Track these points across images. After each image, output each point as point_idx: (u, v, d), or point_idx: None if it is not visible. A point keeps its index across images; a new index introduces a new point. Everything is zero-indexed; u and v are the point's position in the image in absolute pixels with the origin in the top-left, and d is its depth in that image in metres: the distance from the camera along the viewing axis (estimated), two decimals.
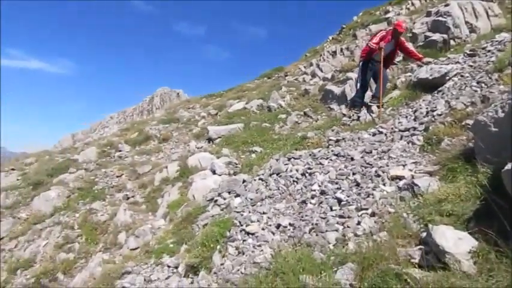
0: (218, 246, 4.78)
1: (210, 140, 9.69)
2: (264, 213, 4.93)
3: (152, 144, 10.72)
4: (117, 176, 8.91)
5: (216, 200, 6.11)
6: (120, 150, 10.55)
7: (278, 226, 4.48)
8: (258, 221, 4.85)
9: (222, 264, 4.50)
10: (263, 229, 4.64)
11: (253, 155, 7.82)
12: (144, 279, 5.07)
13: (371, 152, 5.12)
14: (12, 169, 10.42)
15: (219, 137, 9.56)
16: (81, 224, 7.46)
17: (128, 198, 8.06)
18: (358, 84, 7.83)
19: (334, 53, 12.71)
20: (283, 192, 5.26)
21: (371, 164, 4.73)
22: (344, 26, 16.53)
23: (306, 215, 4.38)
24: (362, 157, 5.08)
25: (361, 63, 7.78)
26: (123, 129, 13.28)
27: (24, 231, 7.74)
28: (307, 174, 5.34)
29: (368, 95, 7.84)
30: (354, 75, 9.07)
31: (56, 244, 7.12)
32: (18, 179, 9.89)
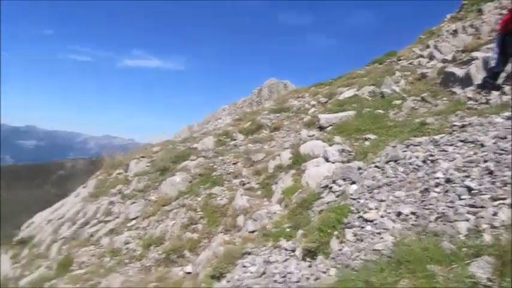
0: (335, 232, 4.80)
1: (321, 128, 9.68)
2: (382, 200, 4.81)
3: (264, 133, 11.06)
4: (233, 164, 9.39)
5: (330, 187, 6.11)
6: (234, 139, 11.10)
7: (399, 214, 4.34)
8: (376, 208, 4.76)
9: (340, 250, 4.52)
10: (382, 216, 4.54)
11: (367, 143, 7.63)
12: (263, 261, 5.30)
13: (505, 138, 4.66)
14: (142, 157, 11.62)
15: (330, 125, 9.49)
16: (203, 207, 8.06)
17: (244, 184, 8.46)
18: (492, 63, 7.05)
19: (454, 32, 11.73)
20: (402, 180, 5.06)
21: (506, 151, 4.31)
22: (465, 1, 15.10)
23: (430, 204, 4.16)
24: (495, 143, 4.65)
25: (498, 38, 6.98)
26: (236, 119, 13.90)
27: (155, 212, 8.61)
28: (428, 162, 5.06)
29: (503, 75, 7.08)
30: (480, 54, 8.28)
31: (182, 224, 7.80)
32: (147, 166, 11.00)
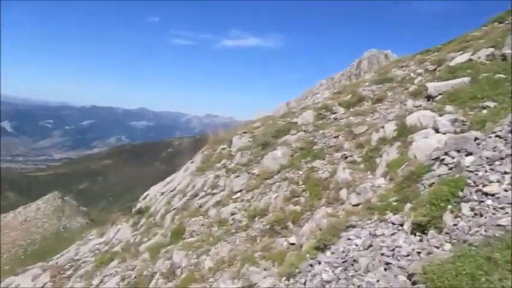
0: (449, 206, 4.49)
1: (429, 97, 9.02)
2: (505, 173, 4.35)
3: (366, 105, 10.65)
4: (334, 137, 9.23)
5: (442, 159, 5.69)
6: (335, 113, 10.87)
7: None
8: (498, 181, 4.32)
9: (455, 224, 4.22)
10: (506, 190, 4.12)
11: (485, 111, 6.93)
12: (369, 233, 5.17)
13: None
14: (244, 132, 11.99)
15: (440, 94, 8.79)
16: (304, 180, 8.09)
17: (346, 157, 8.29)
18: None
19: None
20: None
21: None
22: None
23: None
24: None
25: None
26: (335, 92, 13.59)
27: (258, 185, 8.87)
28: None
29: None
30: None
31: (285, 197, 7.93)
32: (249, 141, 11.33)
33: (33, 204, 51.52)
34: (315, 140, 9.43)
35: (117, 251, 9.60)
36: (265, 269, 6.21)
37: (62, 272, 9.28)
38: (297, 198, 7.79)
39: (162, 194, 12.03)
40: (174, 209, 10.25)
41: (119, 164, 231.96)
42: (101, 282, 8.18)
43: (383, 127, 8.35)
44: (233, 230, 7.91)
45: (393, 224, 5.17)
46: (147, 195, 13.65)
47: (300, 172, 8.45)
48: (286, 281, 5.42)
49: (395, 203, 5.60)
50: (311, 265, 5.32)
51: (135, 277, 8.08)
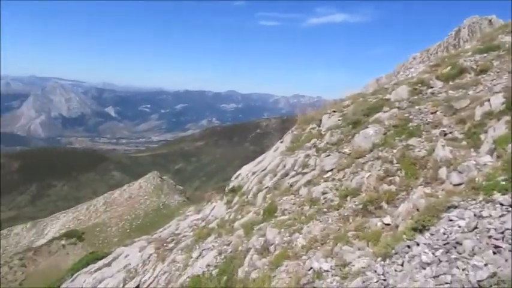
0: None
1: None
2: None
3: (468, 77, 9.81)
4: (432, 113, 8.68)
5: None
6: (431, 87, 10.18)
7: None
8: None
9: None
10: None
11: None
12: (474, 215, 4.84)
13: None
14: (334, 111, 11.78)
15: None
16: (399, 159, 7.76)
17: (445, 134, 7.76)
18: None
19: None
20: None
21: None
22: None
23: None
24: None
25: None
26: (432, 65, 12.69)
27: (349, 164, 8.71)
28: None
29: None
30: None
31: (378, 176, 7.69)
32: (339, 120, 11.11)
33: (136, 182, 56.16)
34: (410, 117, 8.96)
35: (213, 227, 10.12)
36: (359, 249, 6.14)
37: (164, 244, 10.06)
38: (391, 178, 7.51)
39: (254, 173, 12.35)
40: (266, 188, 10.48)
41: (211, 145, 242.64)
42: (199, 255, 8.72)
43: (488, 100, 7.66)
44: (325, 209, 7.89)
45: (502, 205, 4.78)
46: (239, 174, 14.10)
47: (394, 150, 8.11)
48: (382, 262, 5.31)
49: (503, 183, 5.15)
50: (408, 246, 5.15)
51: (230, 252, 8.47)
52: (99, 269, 10.44)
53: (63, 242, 42.03)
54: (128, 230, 44.48)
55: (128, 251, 10.48)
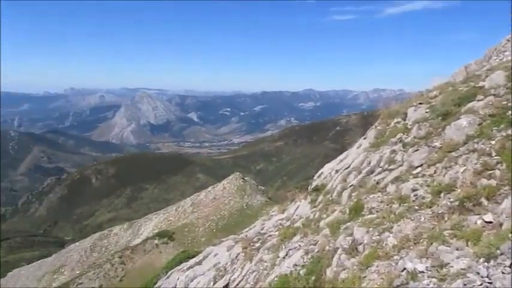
0: None
1: None
2: None
3: None
4: None
5: None
6: None
7: None
8: None
9: None
10: None
11: None
12: None
13: None
14: (420, 103, 11.13)
15: None
16: (499, 150, 7.10)
17: None
18: None
19: None
20: None
21: None
22: None
23: None
24: None
25: None
26: None
27: (441, 159, 8.16)
28: None
29: None
30: None
31: (475, 171, 7.11)
32: (426, 112, 10.47)
33: (220, 184, 58.03)
34: (509, 104, 8.17)
35: (299, 226, 10.09)
36: (457, 249, 5.71)
37: (251, 244, 10.24)
38: (490, 172, 6.90)
39: (337, 171, 12.11)
40: (350, 186, 10.21)
41: (291, 144, 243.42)
42: (286, 254, 8.74)
43: None
44: (416, 207, 7.47)
45: None
46: (321, 173, 13.92)
47: (493, 142, 7.44)
48: (486, 263, 4.89)
49: None
50: None
51: (317, 251, 8.37)
52: (191, 267, 10.92)
53: (156, 241, 44.72)
54: (214, 230, 46.13)
55: (216, 250, 10.84)
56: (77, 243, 59.65)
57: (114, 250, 50.10)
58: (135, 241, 52.03)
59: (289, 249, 8.83)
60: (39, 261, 59.56)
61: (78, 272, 47.37)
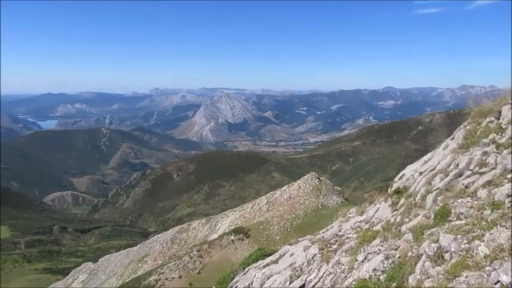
0: None
1: None
2: None
3: None
4: None
5: None
6: None
7: None
8: None
9: None
10: None
11: None
12: None
13: None
14: None
15: None
16: None
17: None
18: None
19: None
20: None
21: None
22: None
23: None
24: None
25: None
26: None
27: None
28: None
29: None
30: None
31: None
32: None
33: (295, 183, 57.89)
34: None
35: (378, 229, 9.70)
36: None
37: (328, 245, 10.03)
38: None
39: (420, 173, 11.46)
40: (436, 189, 9.59)
41: (368, 144, 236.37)
42: (365, 258, 8.43)
43: None
44: (511, 214, 6.82)
45: None
46: (403, 175, 13.27)
47: None
48: None
49: None
50: None
51: (399, 257, 7.97)
52: (267, 265, 10.99)
53: (232, 237, 45.84)
54: (289, 229, 46.14)
55: (293, 250, 10.79)
56: (159, 235, 63.07)
57: (193, 243, 52.24)
58: (212, 236, 53.80)
59: (368, 253, 8.51)
60: (126, 249, 63.96)
61: (160, 262, 50.16)
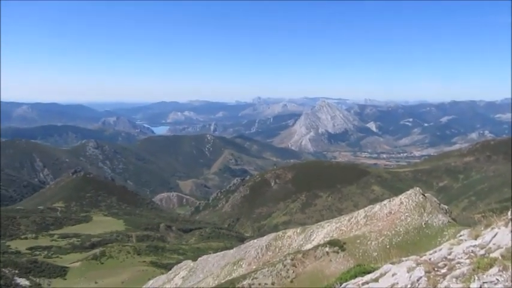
0: None
1: None
2: None
3: None
4: None
5: None
6: None
7: None
8: None
9: None
10: None
11: None
12: None
13: None
14: None
15: None
16: None
17: None
18: None
19: None
20: None
21: None
22: None
23: None
24: None
25: None
26: None
27: None
28: None
29: None
30: None
31: None
32: None
33: (397, 198, 54.66)
34: None
35: (496, 257, 8.49)
36: None
37: (436, 269, 9.06)
38: None
39: None
40: None
41: (482, 161, 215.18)
42: (480, 287, 7.42)
43: None
44: None
45: None
46: None
47: None
48: None
49: None
50: None
51: None
52: (367, 282, 10.31)
53: (327, 249, 44.71)
54: (388, 246, 43.61)
55: (395, 270, 9.96)
56: (255, 240, 64.13)
57: (287, 252, 52.09)
58: (306, 246, 53.11)
59: (484, 282, 7.46)
60: (223, 252, 66.15)
61: (254, 267, 50.86)
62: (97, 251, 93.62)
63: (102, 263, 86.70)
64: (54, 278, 77.06)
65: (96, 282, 75.99)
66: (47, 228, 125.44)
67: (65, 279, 77.86)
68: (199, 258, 64.90)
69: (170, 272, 65.65)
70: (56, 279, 76.67)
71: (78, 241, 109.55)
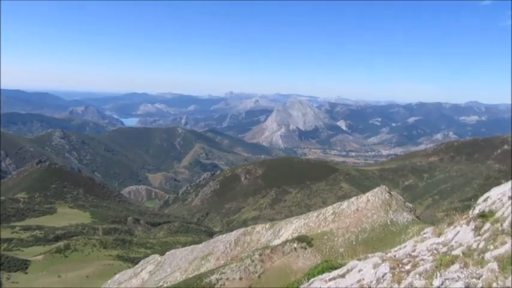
0: None
1: None
2: None
3: None
4: None
5: None
6: None
7: None
8: None
9: None
10: None
11: None
12: None
13: None
14: None
15: None
16: None
17: None
18: None
19: None
20: None
21: None
22: None
23: None
24: None
25: None
26: None
27: None
28: None
29: None
30: None
31: None
32: None
33: (364, 196, 55.85)
34: None
35: (458, 254, 8.84)
36: None
37: (400, 265, 9.34)
38: None
39: (510, 197, 10.34)
40: None
41: (446, 161, 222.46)
42: (441, 284, 7.70)
43: None
44: None
45: None
46: (488, 197, 12.10)
47: None
48: None
49: None
50: None
51: (481, 287, 7.17)
52: (334, 278, 10.51)
53: (295, 245, 45.25)
54: (354, 242, 44.55)
55: (361, 266, 10.21)
56: (224, 235, 64.17)
57: (255, 247, 52.39)
58: (274, 241, 53.55)
59: (446, 279, 7.76)
60: (191, 246, 65.86)
61: (222, 262, 50.93)
62: (61, 244, 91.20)
63: (67, 257, 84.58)
64: (14, 271, 74.52)
65: (59, 276, 73.98)
66: (8, 219, 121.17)
67: (26, 273, 75.48)
68: (167, 253, 64.36)
69: (137, 266, 64.81)
70: (17, 273, 74.21)
71: (41, 233, 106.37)
